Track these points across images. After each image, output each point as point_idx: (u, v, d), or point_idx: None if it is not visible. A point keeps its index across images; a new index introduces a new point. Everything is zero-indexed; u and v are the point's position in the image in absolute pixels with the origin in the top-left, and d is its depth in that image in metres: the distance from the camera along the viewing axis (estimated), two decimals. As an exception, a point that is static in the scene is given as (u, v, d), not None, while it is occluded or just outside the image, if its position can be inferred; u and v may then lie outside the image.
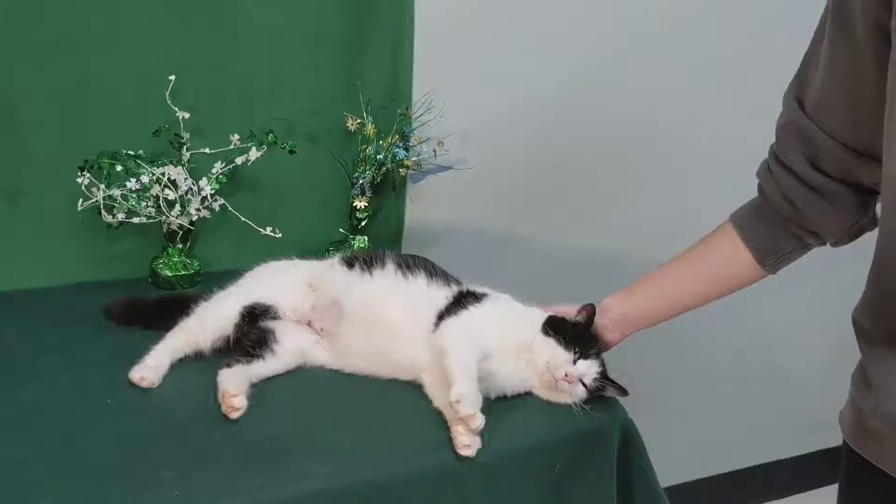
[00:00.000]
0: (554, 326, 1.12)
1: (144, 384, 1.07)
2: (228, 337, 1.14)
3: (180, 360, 1.13)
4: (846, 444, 0.98)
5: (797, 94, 0.97)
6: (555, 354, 1.10)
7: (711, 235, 1.11)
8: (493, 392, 1.10)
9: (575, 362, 1.09)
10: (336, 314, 1.17)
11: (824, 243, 1.04)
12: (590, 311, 1.14)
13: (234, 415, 1.02)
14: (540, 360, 1.10)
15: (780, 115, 1.00)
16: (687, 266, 1.13)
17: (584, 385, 1.09)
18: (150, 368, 1.08)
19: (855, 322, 0.96)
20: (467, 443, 0.99)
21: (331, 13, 1.44)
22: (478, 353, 1.07)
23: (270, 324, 1.16)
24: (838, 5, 0.87)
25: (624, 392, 1.13)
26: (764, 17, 1.88)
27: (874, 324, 0.92)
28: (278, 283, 1.21)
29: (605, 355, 1.15)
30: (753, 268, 1.08)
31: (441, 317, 1.12)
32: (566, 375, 1.09)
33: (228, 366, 1.09)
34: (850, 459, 0.98)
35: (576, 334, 1.12)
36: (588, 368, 1.10)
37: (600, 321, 1.16)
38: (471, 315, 1.13)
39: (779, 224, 1.04)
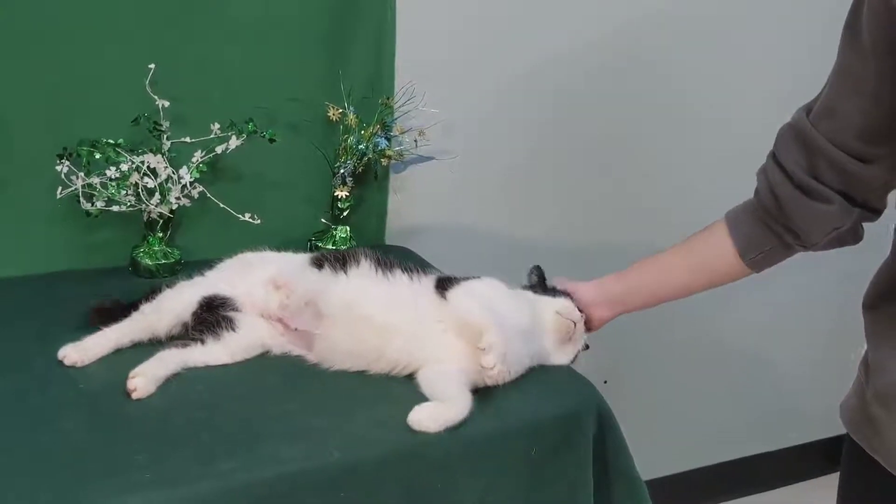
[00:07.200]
0: (538, 288, 1.19)
1: (67, 362, 1.07)
2: (186, 324, 1.13)
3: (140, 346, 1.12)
4: (848, 436, 1.00)
5: (808, 105, 1.00)
6: (558, 303, 1.16)
7: (705, 228, 1.14)
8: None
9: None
10: (311, 316, 1.15)
11: (805, 246, 1.06)
12: (539, 272, 1.24)
13: (134, 395, 1.01)
14: (549, 313, 1.14)
15: (786, 122, 1.04)
16: (677, 255, 1.17)
17: None
18: (78, 348, 1.08)
19: (864, 307, 0.98)
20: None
21: (312, 1, 1.44)
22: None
23: (229, 314, 1.14)
24: (851, 18, 0.90)
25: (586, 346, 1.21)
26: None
27: (879, 305, 0.94)
28: (241, 277, 1.20)
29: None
30: (736, 262, 1.10)
31: (441, 292, 1.13)
32: (581, 313, 1.15)
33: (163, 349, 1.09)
34: (850, 451, 0.99)
35: (554, 290, 1.19)
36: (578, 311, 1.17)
37: (594, 296, 1.21)
38: (472, 284, 1.14)
39: (764, 221, 1.07)
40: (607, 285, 1.22)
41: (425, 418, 1.00)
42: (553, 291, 1.21)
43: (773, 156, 1.04)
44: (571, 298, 1.19)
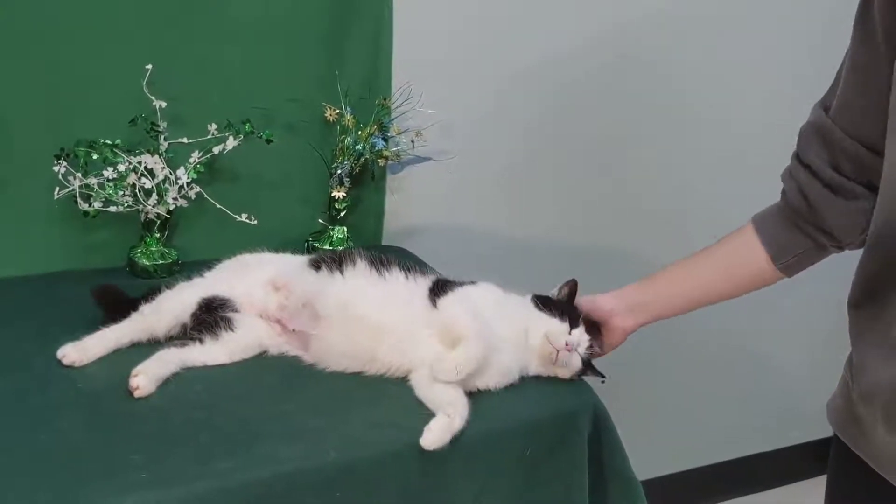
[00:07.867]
0: (542, 302, 1.15)
1: (66, 361, 1.07)
2: (185, 325, 1.14)
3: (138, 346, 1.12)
4: (835, 436, 1.00)
5: (824, 102, 0.99)
6: (550, 325, 1.12)
7: (731, 234, 1.13)
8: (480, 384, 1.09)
9: (570, 332, 1.12)
10: (309, 317, 1.15)
11: (839, 245, 1.04)
12: (571, 286, 1.19)
13: (136, 394, 1.02)
14: (537, 333, 1.12)
15: (805, 121, 1.03)
16: (705, 262, 1.15)
17: (579, 354, 1.12)
18: (77, 347, 1.09)
19: (849, 305, 0.98)
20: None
21: (310, 2, 1.45)
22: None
23: (228, 314, 1.15)
24: (862, 10, 0.90)
25: (600, 374, 1.17)
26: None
27: (862, 303, 0.94)
28: (240, 279, 1.20)
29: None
30: (768, 267, 1.08)
31: (433, 299, 1.12)
32: (566, 345, 1.11)
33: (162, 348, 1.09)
34: (837, 450, 1.00)
35: (562, 307, 1.15)
36: (580, 337, 1.13)
37: (614, 305, 1.18)
38: (466, 291, 1.14)
39: (795, 223, 1.05)
40: (629, 293, 1.19)
41: (438, 438, 0.99)
42: (563, 312, 1.14)
43: (797, 156, 1.03)
44: (579, 323, 1.14)
